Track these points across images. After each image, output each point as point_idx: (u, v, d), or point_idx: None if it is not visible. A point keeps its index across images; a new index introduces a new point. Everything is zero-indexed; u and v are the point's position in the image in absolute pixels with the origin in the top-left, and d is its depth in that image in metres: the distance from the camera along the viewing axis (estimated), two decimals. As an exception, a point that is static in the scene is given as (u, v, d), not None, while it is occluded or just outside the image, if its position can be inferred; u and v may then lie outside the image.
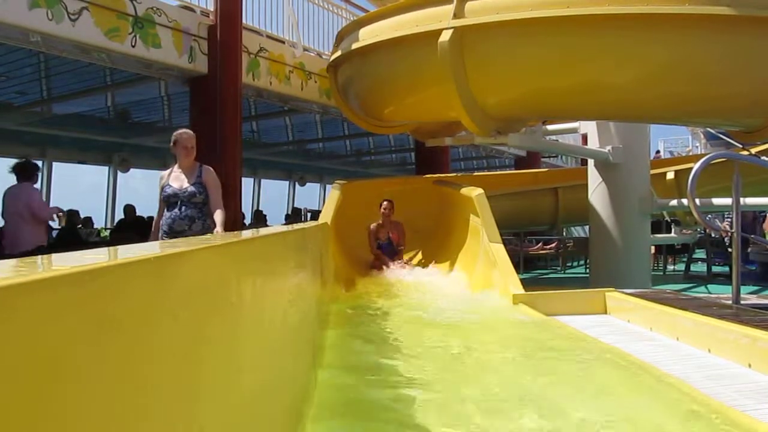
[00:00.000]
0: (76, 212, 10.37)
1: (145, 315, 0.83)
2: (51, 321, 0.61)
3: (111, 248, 1.06)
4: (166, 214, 5.07)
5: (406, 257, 8.19)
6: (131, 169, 16.01)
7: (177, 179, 5.13)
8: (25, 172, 6.93)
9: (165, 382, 0.89)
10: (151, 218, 13.50)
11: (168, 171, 5.30)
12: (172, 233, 4.94)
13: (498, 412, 2.29)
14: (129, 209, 11.39)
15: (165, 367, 0.89)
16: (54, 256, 0.87)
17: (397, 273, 7.26)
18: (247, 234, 2.22)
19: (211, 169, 5.27)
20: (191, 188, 5.06)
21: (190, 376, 1.00)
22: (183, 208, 5.01)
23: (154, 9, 7.91)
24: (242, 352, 1.40)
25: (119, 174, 15.86)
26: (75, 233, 9.32)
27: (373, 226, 8.16)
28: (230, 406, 1.23)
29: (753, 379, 2.70)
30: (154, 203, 5.43)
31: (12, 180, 6.93)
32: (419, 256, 8.39)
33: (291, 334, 2.21)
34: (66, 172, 21.40)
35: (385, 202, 8.24)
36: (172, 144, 5.18)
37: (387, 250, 7.98)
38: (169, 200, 5.10)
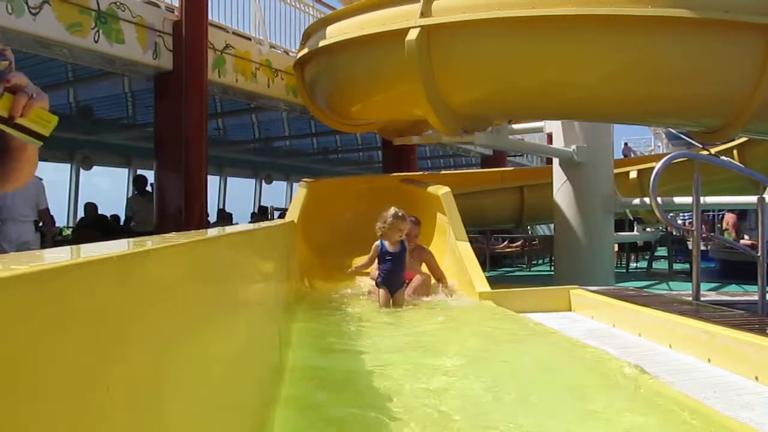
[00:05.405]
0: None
1: (107, 314, 0.82)
2: (10, 322, 0.60)
3: (72, 247, 1.04)
4: None
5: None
6: (94, 167, 15.77)
7: None
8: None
9: (128, 382, 0.88)
10: (115, 216, 13.40)
11: None
12: None
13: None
14: (89, 207, 11.20)
15: (129, 368, 0.88)
16: (12, 255, 0.85)
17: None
18: (213, 232, 2.20)
19: None
20: None
21: (154, 376, 0.99)
22: None
23: (118, 4, 7.79)
24: (208, 352, 1.38)
25: (81, 171, 15.61)
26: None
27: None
28: (196, 406, 1.22)
29: (713, 373, 2.76)
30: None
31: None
32: None
33: (258, 332, 2.20)
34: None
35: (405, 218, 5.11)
36: None
37: (392, 269, 4.87)
38: None
